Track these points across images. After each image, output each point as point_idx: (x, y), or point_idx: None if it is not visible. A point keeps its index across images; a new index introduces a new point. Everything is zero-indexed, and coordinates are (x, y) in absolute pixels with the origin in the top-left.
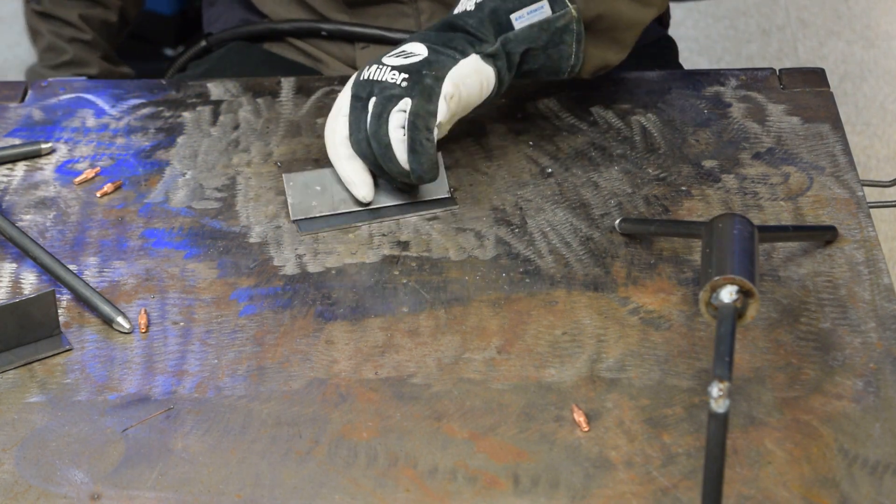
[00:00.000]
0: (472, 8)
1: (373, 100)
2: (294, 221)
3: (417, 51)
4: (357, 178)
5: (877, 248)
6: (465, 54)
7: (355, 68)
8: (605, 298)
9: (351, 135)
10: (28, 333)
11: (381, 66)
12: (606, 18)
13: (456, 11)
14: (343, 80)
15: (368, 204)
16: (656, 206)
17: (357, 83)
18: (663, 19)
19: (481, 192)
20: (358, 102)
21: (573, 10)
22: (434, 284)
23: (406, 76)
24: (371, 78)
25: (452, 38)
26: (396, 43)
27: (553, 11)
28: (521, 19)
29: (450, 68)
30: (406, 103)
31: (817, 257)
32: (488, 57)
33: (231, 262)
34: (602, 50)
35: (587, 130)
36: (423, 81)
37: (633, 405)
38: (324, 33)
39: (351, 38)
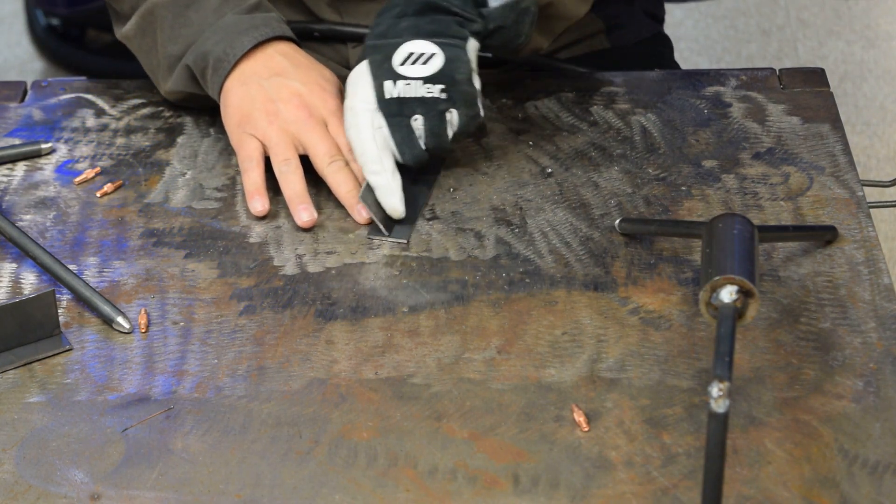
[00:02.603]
0: None
1: (419, 118)
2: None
3: (426, 49)
4: (398, 188)
5: (877, 248)
6: (465, 39)
7: (348, 68)
8: (605, 298)
9: (403, 153)
10: (28, 333)
11: (407, 82)
12: (553, 7)
13: None
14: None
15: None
16: (656, 206)
17: (386, 102)
18: (657, 14)
19: (481, 192)
20: (396, 120)
21: None
22: (434, 284)
23: (443, 87)
24: (403, 96)
25: (442, 22)
26: None
27: None
28: None
29: (470, 63)
30: (452, 113)
31: (817, 257)
32: (475, 34)
33: (231, 262)
34: (538, 34)
35: (587, 130)
36: (462, 89)
37: (633, 405)
38: (316, 34)
39: (343, 38)
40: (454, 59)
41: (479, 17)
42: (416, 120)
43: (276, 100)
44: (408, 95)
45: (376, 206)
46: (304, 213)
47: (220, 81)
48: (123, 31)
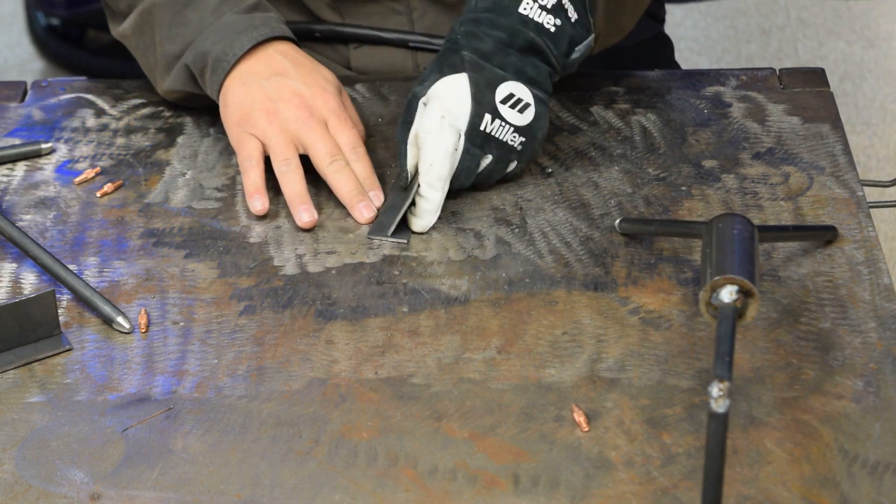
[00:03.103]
0: (553, 30)
1: (489, 157)
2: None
3: (525, 97)
4: (439, 211)
5: (877, 248)
6: (549, 93)
7: (349, 69)
8: (605, 298)
9: (458, 179)
10: (28, 333)
11: (502, 124)
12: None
13: (533, 20)
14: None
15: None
16: (656, 206)
17: (475, 132)
18: (658, 14)
19: (481, 192)
20: (475, 152)
21: (593, 43)
22: (434, 284)
23: (523, 140)
24: (491, 133)
25: (541, 71)
26: (390, 43)
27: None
28: (579, 52)
29: (547, 121)
30: (513, 164)
31: (817, 257)
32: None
33: (231, 262)
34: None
35: (587, 130)
36: (536, 147)
37: (633, 405)
38: (317, 35)
39: (344, 39)
40: (541, 117)
41: (560, 68)
42: (485, 157)
43: (277, 99)
44: (496, 136)
45: (396, 210)
46: (304, 213)
47: (220, 81)
48: (120, 30)
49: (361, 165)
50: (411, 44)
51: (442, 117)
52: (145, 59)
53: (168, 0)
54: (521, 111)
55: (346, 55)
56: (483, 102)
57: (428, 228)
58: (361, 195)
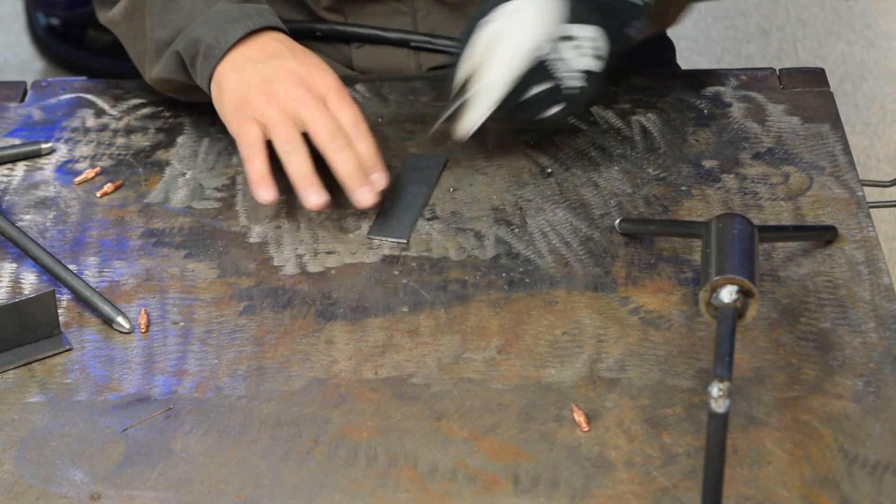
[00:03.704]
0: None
1: (537, 88)
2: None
3: (585, 45)
4: (488, 107)
5: (877, 248)
6: (604, 58)
7: (352, 69)
8: (605, 298)
9: (505, 101)
10: (28, 333)
11: (560, 58)
12: None
13: None
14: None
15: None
16: (656, 206)
17: (533, 59)
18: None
19: (481, 191)
20: (525, 73)
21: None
22: (434, 284)
23: (574, 86)
24: (545, 64)
25: (600, 30)
26: (392, 43)
27: None
28: (635, 27)
29: (598, 81)
30: (556, 108)
31: (817, 257)
32: None
33: (231, 262)
34: None
35: (587, 130)
36: (581, 99)
37: (633, 405)
38: (318, 34)
39: (346, 39)
40: (595, 73)
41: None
42: (533, 87)
43: (273, 80)
44: (550, 70)
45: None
46: (313, 195)
47: (211, 69)
48: (109, 16)
49: (365, 144)
50: (413, 43)
51: (503, 33)
52: (134, 45)
53: None
54: (579, 55)
55: (348, 55)
56: (548, 32)
57: (467, 136)
58: (362, 179)
